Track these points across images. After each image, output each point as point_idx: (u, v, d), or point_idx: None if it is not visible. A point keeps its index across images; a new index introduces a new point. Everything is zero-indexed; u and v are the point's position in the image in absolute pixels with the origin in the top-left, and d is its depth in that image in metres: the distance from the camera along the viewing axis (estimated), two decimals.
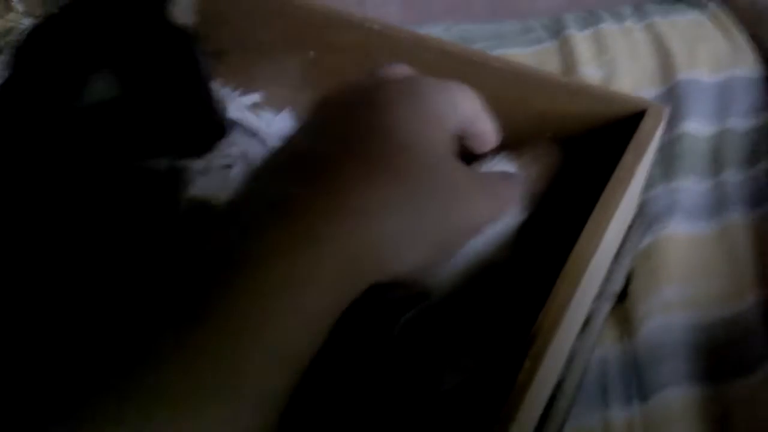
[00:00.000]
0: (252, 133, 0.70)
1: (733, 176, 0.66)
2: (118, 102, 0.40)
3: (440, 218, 0.30)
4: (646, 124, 0.50)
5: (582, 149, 0.56)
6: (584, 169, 0.56)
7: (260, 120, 0.71)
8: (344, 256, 0.26)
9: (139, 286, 0.27)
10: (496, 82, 0.57)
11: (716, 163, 0.68)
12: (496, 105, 0.59)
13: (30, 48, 0.43)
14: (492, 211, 0.35)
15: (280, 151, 0.31)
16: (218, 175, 0.62)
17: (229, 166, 0.66)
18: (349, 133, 0.30)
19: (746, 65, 0.78)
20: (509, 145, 0.57)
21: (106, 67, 0.40)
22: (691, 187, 0.65)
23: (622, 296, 0.57)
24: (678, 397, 0.52)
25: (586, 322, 0.51)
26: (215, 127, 0.46)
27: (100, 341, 0.25)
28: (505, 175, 0.41)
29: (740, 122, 0.71)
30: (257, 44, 0.67)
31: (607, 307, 0.52)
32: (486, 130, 0.39)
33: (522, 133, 0.58)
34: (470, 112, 0.37)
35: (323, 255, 0.26)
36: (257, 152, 0.69)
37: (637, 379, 0.53)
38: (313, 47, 0.63)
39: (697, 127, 0.70)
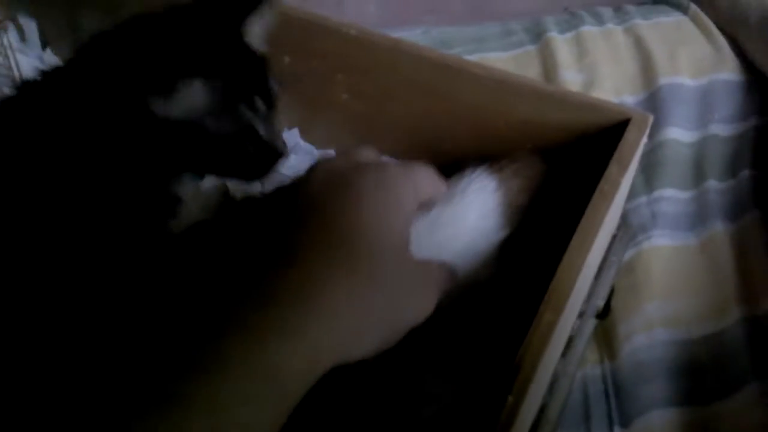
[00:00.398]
0: None
1: (715, 185, 0.65)
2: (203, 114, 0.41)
3: (393, 310, 0.34)
4: (630, 133, 0.49)
5: (564, 158, 0.54)
6: (567, 180, 0.54)
7: None
8: (311, 349, 0.29)
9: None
10: (475, 90, 0.55)
11: (699, 171, 0.66)
12: (476, 114, 0.58)
13: (105, 48, 0.43)
14: (431, 300, 0.38)
15: (263, 232, 0.36)
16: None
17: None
18: (321, 227, 0.34)
19: (728, 69, 0.76)
20: (490, 155, 0.55)
21: (198, 76, 0.40)
22: (674, 196, 0.64)
23: (604, 313, 0.55)
24: (660, 423, 0.50)
25: (569, 342, 0.49)
26: (275, 152, 0.47)
27: None
28: (439, 265, 0.43)
29: (722, 128, 0.70)
30: None
31: (590, 325, 0.51)
32: (440, 194, 0.44)
33: (503, 143, 0.57)
34: (430, 190, 0.41)
35: (294, 349, 0.29)
36: None
37: (618, 403, 0.52)
38: (289, 53, 0.61)
39: (680, 133, 0.69)
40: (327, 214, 0.35)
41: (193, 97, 0.40)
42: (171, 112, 0.39)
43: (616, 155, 0.47)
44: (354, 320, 0.31)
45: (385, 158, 0.44)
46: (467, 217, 0.50)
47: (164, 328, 0.36)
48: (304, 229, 0.34)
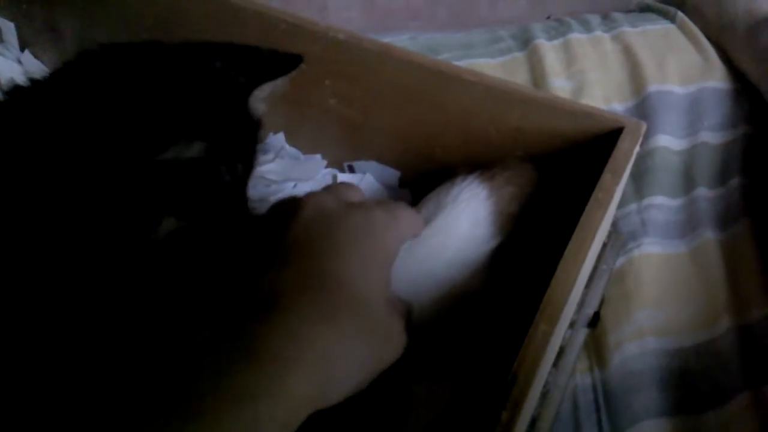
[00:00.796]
0: None
1: (705, 193, 0.64)
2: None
3: (371, 355, 0.35)
4: (624, 142, 0.48)
5: (556, 166, 0.54)
6: (558, 188, 0.53)
7: None
8: (292, 400, 0.30)
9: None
10: (466, 96, 0.54)
11: (688, 178, 0.66)
12: (467, 120, 0.57)
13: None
14: (403, 339, 0.38)
15: (245, 263, 0.36)
16: None
17: None
18: (305, 273, 0.35)
19: (716, 77, 0.76)
20: (480, 162, 0.54)
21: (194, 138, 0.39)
22: (664, 204, 0.64)
23: (593, 322, 0.55)
24: None
25: (560, 353, 0.48)
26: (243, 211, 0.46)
27: None
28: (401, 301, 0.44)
29: (712, 136, 0.70)
30: None
31: (582, 335, 0.50)
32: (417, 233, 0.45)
33: (493, 150, 0.56)
34: (411, 232, 0.43)
35: (274, 402, 0.29)
36: None
37: (608, 413, 0.51)
38: None
39: (670, 141, 0.69)
40: (312, 259, 0.35)
41: (183, 153, 0.40)
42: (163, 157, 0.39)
43: (610, 164, 0.46)
44: (334, 370, 0.32)
45: (368, 200, 0.44)
46: (459, 225, 0.49)
47: (142, 357, 0.35)
48: (287, 272, 0.35)
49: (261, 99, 0.46)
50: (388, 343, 0.36)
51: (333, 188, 0.43)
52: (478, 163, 0.54)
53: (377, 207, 0.40)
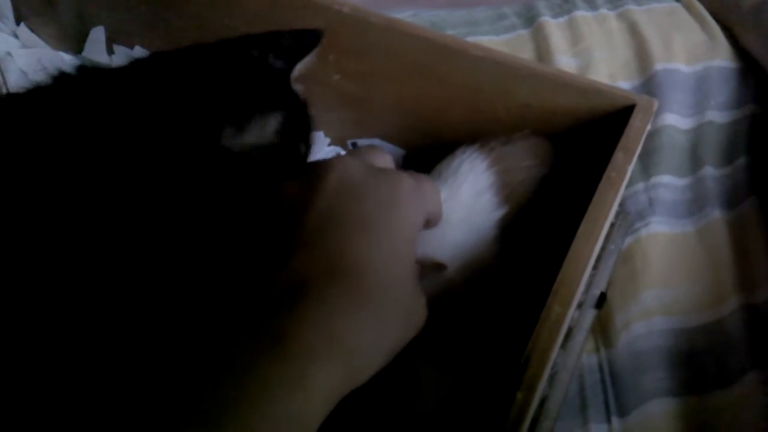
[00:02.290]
0: None
1: (712, 172, 0.64)
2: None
3: (398, 334, 0.34)
4: (636, 119, 0.47)
5: (564, 144, 0.53)
6: (567, 165, 0.53)
7: None
8: (326, 389, 0.30)
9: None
10: (474, 72, 0.53)
11: (695, 157, 0.65)
12: (474, 96, 0.56)
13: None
14: (425, 312, 0.37)
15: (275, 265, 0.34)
16: None
17: None
18: (332, 252, 0.33)
19: (722, 56, 0.75)
20: (486, 139, 0.53)
21: (276, 110, 0.40)
22: (671, 183, 0.63)
23: (600, 303, 0.54)
24: (659, 412, 0.49)
25: (568, 334, 0.48)
26: None
27: None
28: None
29: (718, 115, 0.69)
30: (218, 29, 0.62)
31: (590, 316, 0.49)
32: (438, 215, 0.43)
33: (501, 127, 0.55)
34: (433, 207, 0.41)
35: (308, 397, 0.29)
36: None
37: (615, 393, 0.51)
38: None
39: (677, 119, 0.68)
40: (338, 238, 0.34)
41: (265, 130, 0.40)
42: (240, 142, 0.39)
43: (623, 142, 0.46)
44: (364, 354, 0.32)
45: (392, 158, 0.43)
46: (461, 194, 0.49)
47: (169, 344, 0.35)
48: (313, 255, 0.34)
49: (294, 80, 0.46)
50: (411, 323, 0.35)
51: (359, 152, 0.41)
52: (486, 141, 0.53)
53: (405, 174, 0.38)
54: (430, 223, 0.41)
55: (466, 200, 0.49)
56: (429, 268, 0.45)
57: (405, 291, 0.35)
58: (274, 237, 0.36)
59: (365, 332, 0.32)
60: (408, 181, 0.38)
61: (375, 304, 0.33)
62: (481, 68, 0.52)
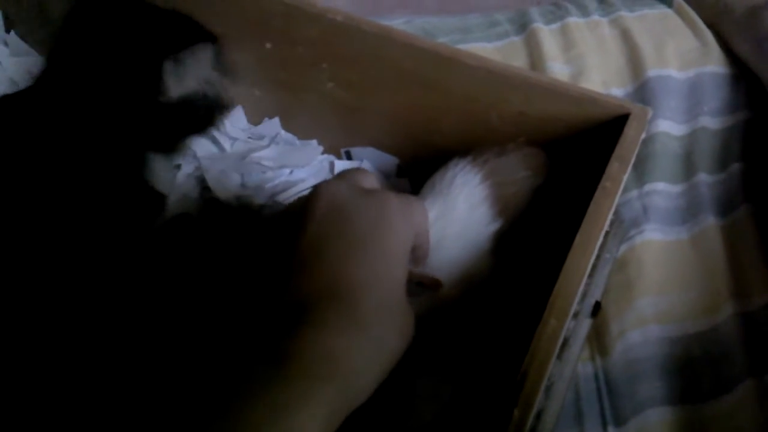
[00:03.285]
0: None
1: (706, 179, 0.64)
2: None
3: (391, 351, 0.35)
4: (630, 129, 0.47)
5: (558, 153, 0.53)
6: (561, 174, 0.53)
7: None
8: (328, 411, 0.30)
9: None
10: (467, 81, 0.53)
11: (689, 164, 0.65)
12: (467, 105, 0.55)
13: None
14: (410, 337, 0.37)
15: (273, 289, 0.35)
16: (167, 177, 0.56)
17: (178, 166, 0.61)
18: (326, 274, 0.34)
19: (714, 62, 0.75)
20: (479, 151, 0.53)
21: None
22: (665, 190, 0.63)
23: (595, 311, 0.54)
24: (655, 422, 0.49)
25: (564, 344, 0.48)
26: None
27: None
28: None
29: (712, 121, 0.69)
30: None
31: (586, 325, 0.49)
32: (425, 243, 0.43)
33: (495, 136, 0.55)
34: (420, 227, 0.42)
35: (312, 415, 0.29)
36: (206, 152, 0.64)
37: (611, 402, 0.51)
38: (270, 39, 0.58)
39: (670, 126, 0.68)
40: (332, 261, 0.35)
41: (201, 62, 0.44)
42: (181, 79, 0.43)
43: (617, 151, 0.46)
44: (363, 373, 0.33)
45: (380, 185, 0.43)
46: (456, 208, 0.48)
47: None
48: (309, 279, 0.34)
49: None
50: (403, 337, 0.36)
51: (346, 174, 0.41)
52: (480, 150, 0.52)
53: (392, 194, 0.39)
54: (417, 247, 0.42)
55: (461, 215, 0.48)
56: (425, 285, 0.45)
57: (398, 307, 0.36)
58: (274, 262, 0.37)
59: (363, 352, 0.32)
60: (395, 200, 0.39)
61: (371, 324, 0.33)
62: (475, 77, 0.52)
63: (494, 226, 0.49)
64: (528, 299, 0.48)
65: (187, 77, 0.45)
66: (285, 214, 0.44)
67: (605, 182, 0.43)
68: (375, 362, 0.33)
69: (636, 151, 0.46)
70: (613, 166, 0.45)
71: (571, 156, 0.52)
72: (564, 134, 0.52)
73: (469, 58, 0.52)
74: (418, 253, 0.43)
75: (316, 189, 0.39)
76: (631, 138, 0.47)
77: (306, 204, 0.38)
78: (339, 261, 0.35)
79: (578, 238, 0.40)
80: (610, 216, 0.43)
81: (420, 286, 0.45)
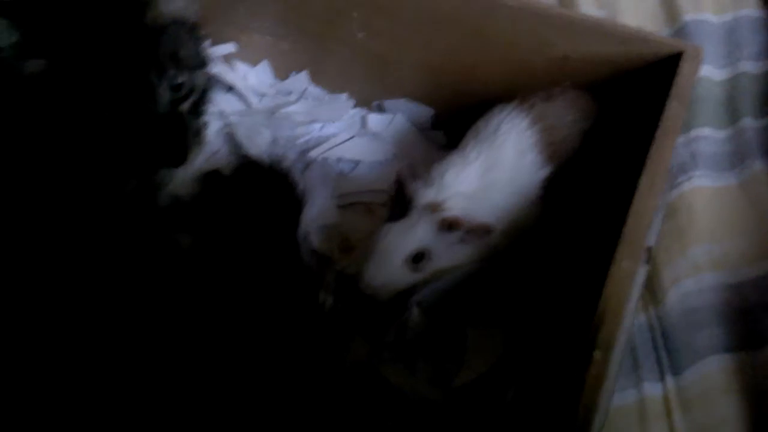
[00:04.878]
0: (227, 88, 0.63)
1: (751, 123, 0.62)
2: None
3: None
4: (685, 67, 0.45)
5: (606, 95, 0.51)
6: (609, 118, 0.51)
7: (235, 73, 0.64)
8: None
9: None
10: (509, 24, 0.51)
11: (733, 109, 0.63)
12: (509, 50, 0.53)
13: None
14: None
15: None
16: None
17: (205, 123, 0.59)
18: None
19: (750, 5, 0.73)
20: (524, 95, 0.51)
21: None
22: (711, 135, 0.61)
23: (647, 258, 0.53)
24: (715, 369, 0.48)
25: None
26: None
27: None
28: None
29: (752, 66, 0.67)
30: None
31: (643, 272, 0.48)
32: None
33: (538, 82, 0.52)
34: None
35: None
36: (233, 109, 0.62)
37: (668, 351, 0.49)
38: None
39: (711, 71, 0.66)
40: None
41: None
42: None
43: (674, 90, 0.44)
44: None
45: None
46: (504, 156, 0.47)
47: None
48: None
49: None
50: None
51: None
52: (524, 95, 0.51)
53: None
54: None
55: (510, 161, 0.47)
56: (475, 232, 0.44)
57: None
58: None
59: None
60: None
61: None
62: (517, 20, 0.50)
63: (544, 173, 0.47)
64: (578, 247, 0.47)
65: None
66: None
67: (666, 122, 0.42)
68: None
69: (692, 90, 0.44)
70: (672, 105, 0.43)
71: (618, 99, 0.50)
72: (610, 76, 0.50)
73: (510, 0, 0.50)
74: None
75: None
76: (686, 77, 0.45)
77: None
78: None
79: (644, 178, 0.38)
80: (671, 156, 0.41)
81: (470, 234, 0.44)
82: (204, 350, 0.38)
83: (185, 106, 0.44)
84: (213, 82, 0.51)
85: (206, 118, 0.57)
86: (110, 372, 0.36)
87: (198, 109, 0.46)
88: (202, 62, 0.47)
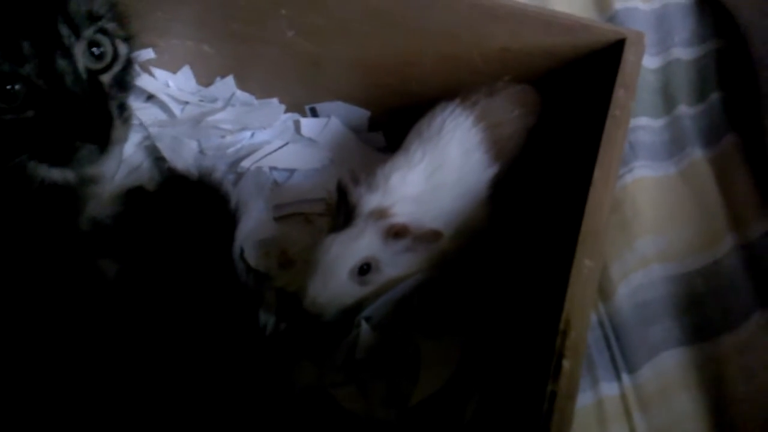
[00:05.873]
0: (147, 97, 0.58)
1: (687, 110, 0.62)
2: None
3: None
4: (629, 54, 0.44)
5: (549, 87, 0.49)
6: (552, 110, 0.49)
7: (155, 81, 0.59)
8: None
9: None
10: (448, 17, 0.48)
11: (668, 97, 0.63)
12: (447, 44, 0.50)
13: None
14: None
15: None
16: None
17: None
18: None
19: None
20: (467, 92, 0.49)
21: None
22: (648, 124, 0.60)
23: None
24: (670, 364, 0.47)
25: None
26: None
27: None
28: None
29: (684, 52, 0.67)
30: None
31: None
32: None
33: (478, 77, 0.51)
34: None
35: None
36: (155, 119, 0.57)
37: (621, 348, 0.48)
38: None
39: (645, 59, 0.65)
40: None
41: None
42: None
43: (620, 78, 0.42)
44: None
45: None
46: (450, 155, 0.45)
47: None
48: None
49: None
50: None
51: None
52: (465, 92, 0.48)
53: None
54: None
55: (456, 162, 0.45)
56: (424, 239, 0.41)
57: None
58: None
59: None
60: None
61: None
62: (454, 11, 0.48)
63: (492, 172, 0.45)
64: (535, 247, 0.45)
65: None
66: None
67: (614, 111, 0.40)
68: None
69: (638, 77, 0.43)
70: (619, 93, 0.41)
71: (562, 90, 0.49)
72: (552, 67, 0.49)
73: None
74: None
75: None
76: (632, 63, 0.43)
77: None
78: None
79: (597, 172, 0.37)
80: (624, 146, 0.39)
81: (419, 241, 0.41)
82: (138, 390, 0.35)
83: (107, 78, 0.39)
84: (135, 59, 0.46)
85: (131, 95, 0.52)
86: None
87: (122, 82, 0.41)
88: (120, 16, 0.42)
